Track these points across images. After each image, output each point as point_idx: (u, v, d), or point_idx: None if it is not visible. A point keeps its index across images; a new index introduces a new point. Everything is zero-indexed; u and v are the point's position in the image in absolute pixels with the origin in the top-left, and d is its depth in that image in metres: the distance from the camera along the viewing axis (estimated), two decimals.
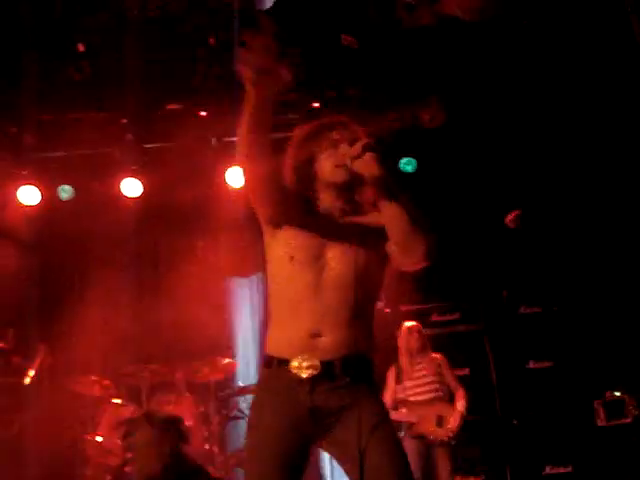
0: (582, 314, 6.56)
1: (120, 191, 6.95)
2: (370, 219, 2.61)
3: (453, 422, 5.51)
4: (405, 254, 2.49)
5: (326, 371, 2.42)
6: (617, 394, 6.18)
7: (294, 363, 2.43)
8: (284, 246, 2.57)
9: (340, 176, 2.60)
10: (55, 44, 6.19)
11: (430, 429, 5.53)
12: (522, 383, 6.63)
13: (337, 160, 2.59)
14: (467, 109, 6.62)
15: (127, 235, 7.05)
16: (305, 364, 2.42)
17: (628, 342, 6.28)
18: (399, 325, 6.05)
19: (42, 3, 5.90)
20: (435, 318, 6.90)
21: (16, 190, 6.85)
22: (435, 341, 6.37)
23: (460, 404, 5.62)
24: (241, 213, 6.40)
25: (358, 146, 2.48)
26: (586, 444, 6.27)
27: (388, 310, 6.80)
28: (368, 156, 2.45)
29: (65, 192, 7.04)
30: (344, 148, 2.56)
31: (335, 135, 2.66)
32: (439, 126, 6.56)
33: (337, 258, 2.52)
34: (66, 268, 7.29)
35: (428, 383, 5.72)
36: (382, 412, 2.52)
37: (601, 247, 6.49)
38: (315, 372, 2.41)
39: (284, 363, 2.46)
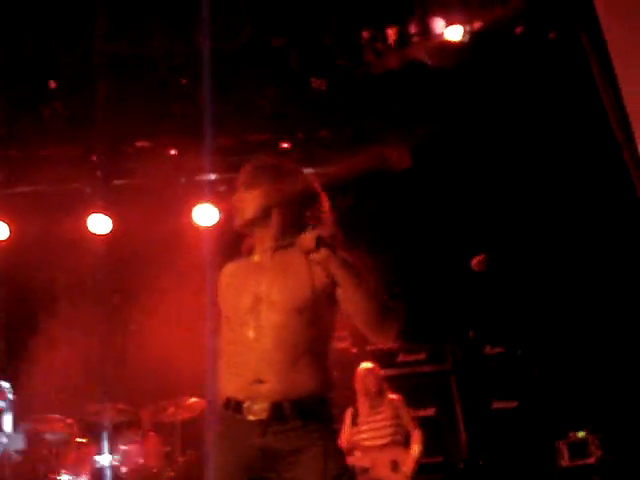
0: (545, 355, 6.63)
1: (88, 227, 6.94)
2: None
3: (407, 468, 5.43)
4: (374, 336, 2.53)
5: (276, 413, 2.42)
6: (580, 434, 6.23)
7: (245, 405, 2.45)
8: (223, 309, 2.67)
9: (238, 219, 2.67)
10: (26, 81, 6.22)
11: (385, 474, 5.46)
12: (487, 423, 6.66)
13: (236, 202, 2.67)
14: (433, 152, 6.75)
15: (94, 271, 7.01)
16: (256, 407, 2.44)
17: (591, 382, 6.36)
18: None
19: (14, 40, 5.93)
20: (401, 358, 6.91)
21: None
22: (401, 381, 6.40)
23: (415, 448, 5.51)
24: (207, 251, 6.46)
25: (311, 238, 2.47)
26: None
27: (354, 350, 6.82)
28: (324, 252, 2.45)
29: None
30: (252, 189, 2.62)
31: (240, 178, 2.71)
32: (406, 169, 6.68)
33: (271, 302, 2.51)
34: (31, 304, 7.21)
35: (384, 427, 5.61)
36: (333, 455, 2.46)
37: (563, 289, 6.59)
38: (264, 414, 2.42)
39: (237, 405, 2.48)
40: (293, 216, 2.63)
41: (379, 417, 5.67)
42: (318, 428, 2.46)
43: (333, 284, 2.50)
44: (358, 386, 5.83)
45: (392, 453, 5.54)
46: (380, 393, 5.77)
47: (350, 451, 5.65)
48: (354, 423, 5.75)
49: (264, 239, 2.66)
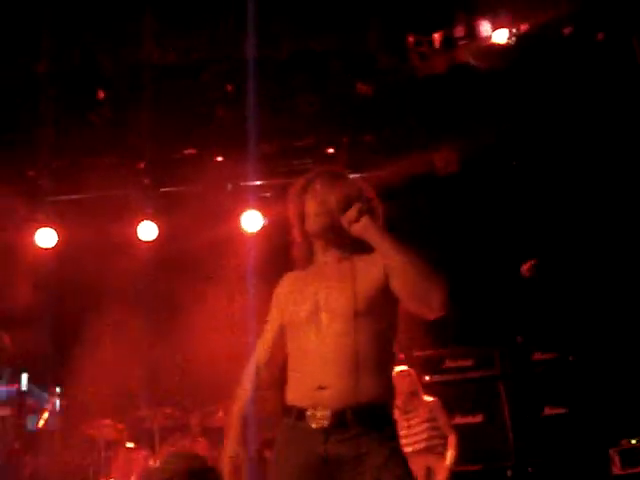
0: (597, 361, 6.52)
1: (136, 234, 7.02)
2: (373, 259, 2.59)
3: (440, 477, 5.32)
4: (419, 306, 2.48)
5: (338, 421, 2.43)
6: (633, 442, 6.11)
7: (308, 413, 2.46)
8: (285, 315, 2.68)
9: (316, 224, 2.66)
10: (74, 90, 6.32)
11: None
12: (537, 430, 6.57)
13: (316, 208, 2.66)
14: (483, 156, 6.69)
15: (142, 278, 7.10)
16: (318, 414, 2.44)
17: None
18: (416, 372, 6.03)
19: (62, 50, 6.03)
20: (449, 364, 6.86)
21: (33, 233, 6.93)
22: (448, 387, 6.35)
23: (449, 455, 5.39)
24: (255, 258, 6.48)
25: (353, 211, 2.53)
26: None
27: (402, 356, 6.78)
28: (364, 220, 2.52)
29: None
30: (328, 197, 2.63)
31: (317, 185, 2.71)
32: (454, 173, 6.63)
33: (331, 309, 2.53)
34: (80, 311, 7.32)
35: (420, 432, 5.50)
36: (397, 461, 2.45)
37: (613, 295, 6.48)
38: (326, 422, 2.43)
39: (300, 413, 2.49)
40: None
41: (414, 422, 5.55)
42: (380, 435, 2.45)
43: (386, 278, 2.52)
44: (398, 387, 5.80)
45: (427, 459, 5.40)
46: (415, 395, 5.66)
47: None
48: None
49: (329, 247, 2.69)
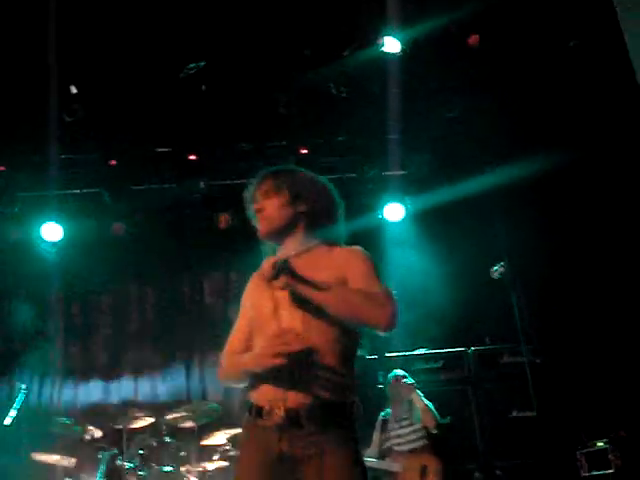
0: (564, 364, 6.58)
1: None
2: (332, 254, 2.64)
3: (435, 475, 5.55)
4: (369, 329, 2.49)
5: (292, 420, 2.43)
6: (600, 444, 6.16)
7: (265, 411, 2.47)
8: (252, 311, 2.70)
9: (260, 229, 2.71)
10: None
11: (414, 479, 5.53)
12: (505, 432, 6.60)
13: (256, 214, 2.71)
14: None
15: None
16: (274, 412, 2.45)
17: (611, 392, 6.31)
18: (385, 373, 6.10)
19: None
20: (419, 366, 6.89)
21: None
22: (418, 389, 6.36)
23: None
24: None
25: (268, 269, 2.48)
26: None
27: (374, 357, 6.80)
28: (282, 279, 2.46)
29: None
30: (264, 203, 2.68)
31: (255, 190, 2.74)
32: None
33: (290, 307, 2.52)
34: None
35: (413, 432, 5.74)
36: (349, 463, 2.44)
37: (582, 299, 6.54)
38: (281, 421, 2.43)
39: (258, 411, 2.50)
40: (315, 222, 2.70)
41: (406, 422, 5.79)
42: (337, 435, 2.44)
43: (344, 277, 2.54)
44: (391, 392, 5.94)
45: (422, 458, 5.62)
46: (410, 399, 5.87)
47: (382, 457, 5.78)
48: (384, 430, 5.84)
49: (288, 246, 2.70)
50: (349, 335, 2.57)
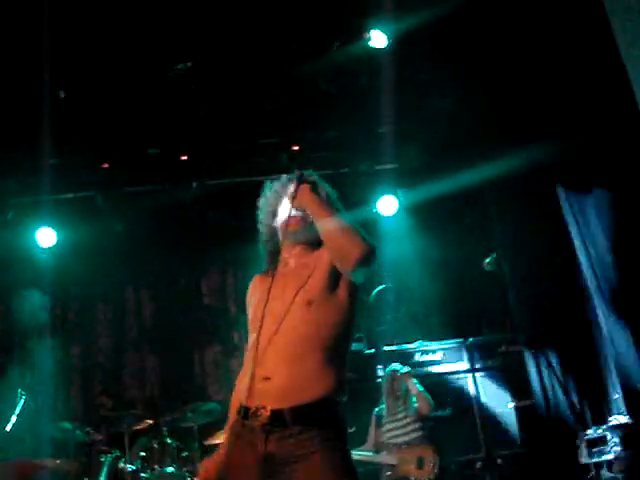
0: (562, 351, 6.59)
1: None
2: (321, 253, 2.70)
3: (430, 466, 5.56)
4: (340, 258, 2.58)
5: (277, 420, 2.44)
6: (599, 431, 6.18)
7: (251, 411, 2.49)
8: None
9: (292, 227, 2.76)
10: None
11: (411, 471, 5.56)
12: (505, 422, 6.63)
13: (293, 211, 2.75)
14: None
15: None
16: (259, 413, 2.46)
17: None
18: (384, 366, 6.12)
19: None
20: (417, 358, 6.90)
21: None
22: (418, 383, 6.38)
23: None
24: None
25: (293, 183, 2.70)
26: None
27: (370, 351, 6.81)
28: (303, 187, 2.66)
29: None
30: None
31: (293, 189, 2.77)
32: None
33: (282, 304, 2.59)
34: None
35: (408, 424, 5.78)
36: (337, 463, 2.44)
37: (576, 285, 6.53)
38: (266, 421, 2.44)
39: (245, 411, 2.52)
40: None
41: (401, 415, 5.79)
42: (322, 435, 2.44)
43: (335, 269, 2.61)
44: (386, 386, 5.97)
45: (418, 450, 5.64)
46: (406, 388, 5.91)
47: (377, 451, 5.80)
48: (379, 424, 5.86)
49: (291, 250, 2.78)
50: (341, 330, 2.61)
